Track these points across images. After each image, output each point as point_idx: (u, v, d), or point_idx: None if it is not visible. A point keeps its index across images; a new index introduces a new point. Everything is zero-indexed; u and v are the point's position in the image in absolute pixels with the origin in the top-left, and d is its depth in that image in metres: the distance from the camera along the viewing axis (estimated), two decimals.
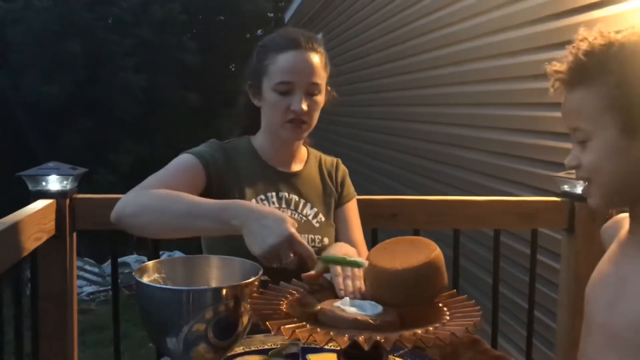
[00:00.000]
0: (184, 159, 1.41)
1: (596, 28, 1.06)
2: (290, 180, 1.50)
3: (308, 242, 1.45)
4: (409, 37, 4.94)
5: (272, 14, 16.34)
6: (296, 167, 1.53)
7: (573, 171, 1.91)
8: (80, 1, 12.43)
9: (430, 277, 1.03)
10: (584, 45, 1.05)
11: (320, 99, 1.46)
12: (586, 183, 1.11)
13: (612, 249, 1.16)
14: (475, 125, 3.63)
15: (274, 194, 1.46)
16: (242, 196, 1.41)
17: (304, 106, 1.40)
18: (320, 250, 1.46)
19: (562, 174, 1.94)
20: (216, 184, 1.40)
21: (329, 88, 1.50)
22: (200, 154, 1.41)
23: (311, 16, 9.76)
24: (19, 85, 11.70)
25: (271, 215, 1.15)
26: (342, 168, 1.61)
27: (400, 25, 5.16)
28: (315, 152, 1.60)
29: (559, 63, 1.09)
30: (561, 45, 2.69)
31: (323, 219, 1.49)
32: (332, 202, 1.55)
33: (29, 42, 11.65)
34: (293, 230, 1.13)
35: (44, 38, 11.65)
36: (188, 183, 1.35)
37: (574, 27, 2.66)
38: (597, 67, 1.02)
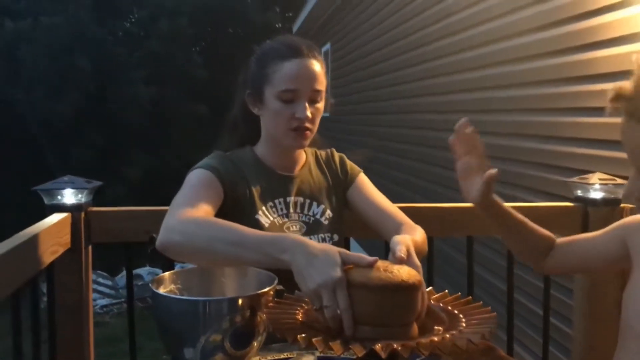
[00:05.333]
0: (200, 175, 1.39)
1: None
2: (294, 183, 1.50)
3: (318, 241, 1.45)
4: (417, 45, 4.95)
5: (279, 25, 16.42)
6: (298, 168, 1.53)
7: (587, 179, 1.90)
8: (90, 15, 12.57)
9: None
10: None
11: (322, 106, 1.47)
12: None
13: None
14: (486, 131, 3.62)
15: (281, 200, 1.47)
16: (253, 206, 1.42)
17: (309, 113, 1.41)
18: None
19: (575, 179, 1.93)
20: (230, 196, 1.40)
21: (326, 96, 1.51)
22: (213, 167, 1.41)
23: (319, 27, 9.81)
24: (31, 101, 11.84)
25: (322, 255, 1.06)
26: (337, 154, 1.62)
27: (408, 34, 5.18)
28: (310, 150, 1.59)
29: (623, 88, 1.05)
30: (575, 49, 2.70)
31: (331, 214, 1.50)
32: (340, 190, 1.55)
33: (39, 58, 11.78)
34: (342, 274, 1.02)
35: (53, 54, 11.78)
36: (211, 199, 1.34)
37: (587, 30, 2.64)
38: None
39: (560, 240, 1.36)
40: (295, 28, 11.21)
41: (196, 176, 1.40)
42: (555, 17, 2.82)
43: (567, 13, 2.73)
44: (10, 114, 11.71)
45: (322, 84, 1.44)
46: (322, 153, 1.60)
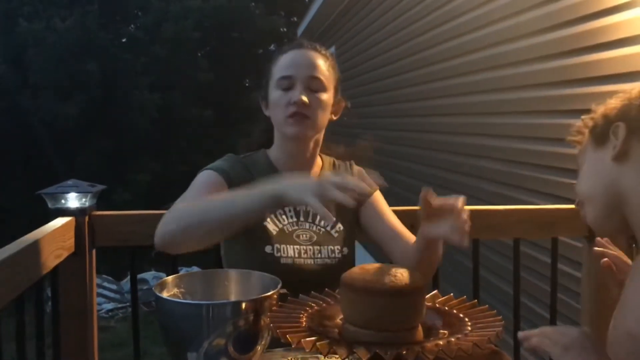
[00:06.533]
0: (207, 176, 1.41)
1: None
2: None
3: (328, 254, 1.44)
4: (422, 47, 4.94)
5: (284, 29, 16.45)
6: (311, 174, 1.50)
7: None
8: (96, 21, 12.63)
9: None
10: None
11: (325, 97, 1.44)
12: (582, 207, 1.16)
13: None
14: (492, 134, 3.61)
15: (291, 207, 1.45)
16: None
17: (304, 97, 1.39)
18: (340, 261, 1.44)
19: None
20: None
21: (338, 97, 1.49)
22: (222, 168, 1.42)
23: (323, 31, 9.81)
24: (37, 105, 11.91)
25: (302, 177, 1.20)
26: (357, 167, 1.58)
27: (413, 37, 5.17)
28: (329, 159, 1.57)
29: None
30: (574, 52, 2.68)
31: (342, 227, 1.48)
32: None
33: (47, 62, 11.86)
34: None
35: (61, 58, 11.85)
36: None
37: (595, 31, 2.63)
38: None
39: None
40: (299, 32, 11.22)
41: (202, 177, 1.41)
42: (563, 19, 2.81)
43: (574, 14, 2.72)
44: (17, 117, 11.77)
45: (321, 73, 1.44)
46: (342, 164, 1.57)
